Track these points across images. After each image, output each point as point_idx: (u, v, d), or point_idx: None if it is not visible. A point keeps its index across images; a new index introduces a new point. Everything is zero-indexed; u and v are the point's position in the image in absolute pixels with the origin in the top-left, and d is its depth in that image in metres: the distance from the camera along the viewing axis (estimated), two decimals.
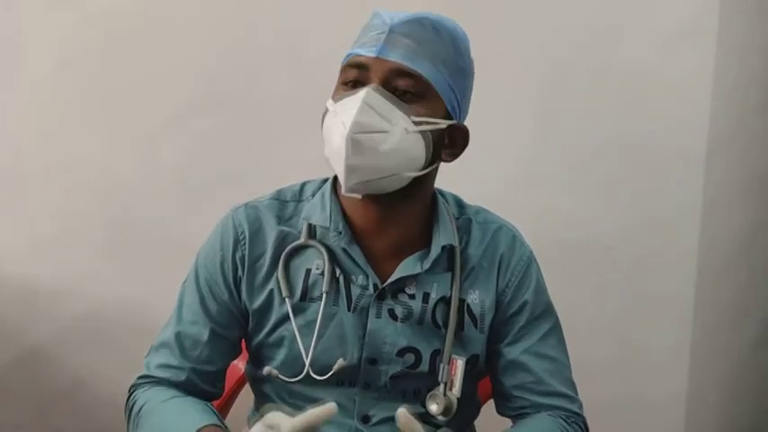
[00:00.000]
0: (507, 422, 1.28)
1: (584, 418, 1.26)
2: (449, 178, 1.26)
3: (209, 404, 1.19)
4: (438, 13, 1.15)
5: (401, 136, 1.10)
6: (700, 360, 1.95)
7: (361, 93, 1.09)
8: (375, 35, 1.12)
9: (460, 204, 1.30)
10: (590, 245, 1.92)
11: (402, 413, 1.05)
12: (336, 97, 1.14)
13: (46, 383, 2.02)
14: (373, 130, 1.08)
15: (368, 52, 1.11)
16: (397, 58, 1.10)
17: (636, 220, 1.92)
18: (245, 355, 1.30)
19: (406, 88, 1.11)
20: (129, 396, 1.23)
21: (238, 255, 1.21)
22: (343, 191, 1.13)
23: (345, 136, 1.07)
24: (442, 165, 1.20)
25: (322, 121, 1.15)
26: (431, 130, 1.13)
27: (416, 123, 1.11)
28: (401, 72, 1.11)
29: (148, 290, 1.91)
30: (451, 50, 1.14)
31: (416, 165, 1.14)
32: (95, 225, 1.98)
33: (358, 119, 1.07)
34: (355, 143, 1.08)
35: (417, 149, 1.12)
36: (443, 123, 1.14)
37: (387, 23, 1.11)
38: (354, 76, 1.13)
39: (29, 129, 1.96)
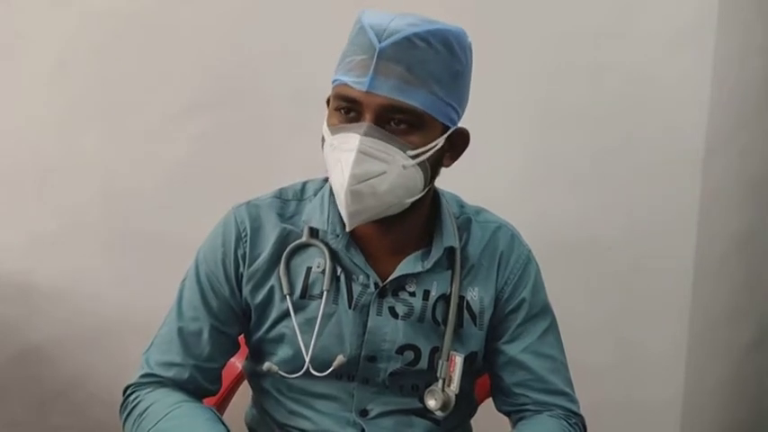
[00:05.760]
0: (506, 421, 1.29)
1: (583, 417, 1.27)
2: (449, 179, 1.27)
3: (215, 411, 1.18)
4: (426, 18, 1.09)
5: (398, 173, 1.09)
6: (696, 362, 1.96)
7: (355, 141, 1.06)
8: (363, 61, 1.07)
9: (460, 204, 1.31)
10: (588, 246, 1.92)
11: None
12: (332, 126, 1.12)
13: (43, 382, 2.02)
14: (370, 177, 1.08)
15: (357, 84, 1.07)
16: (388, 92, 1.06)
17: (634, 221, 1.92)
18: (242, 352, 1.31)
19: (400, 120, 1.08)
20: (130, 395, 1.22)
21: (240, 251, 1.22)
22: (347, 228, 1.13)
23: (345, 189, 1.07)
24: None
25: (322, 146, 1.14)
26: (428, 157, 1.11)
27: (413, 157, 1.09)
28: (394, 108, 1.07)
29: (147, 289, 1.91)
30: (447, 59, 1.09)
31: (416, 191, 1.14)
32: (94, 224, 1.97)
33: (354, 171, 1.06)
34: (354, 194, 1.08)
35: (416, 179, 1.12)
36: (441, 141, 1.13)
37: (374, 46, 1.06)
38: (346, 106, 1.10)
39: (28, 128, 1.96)
